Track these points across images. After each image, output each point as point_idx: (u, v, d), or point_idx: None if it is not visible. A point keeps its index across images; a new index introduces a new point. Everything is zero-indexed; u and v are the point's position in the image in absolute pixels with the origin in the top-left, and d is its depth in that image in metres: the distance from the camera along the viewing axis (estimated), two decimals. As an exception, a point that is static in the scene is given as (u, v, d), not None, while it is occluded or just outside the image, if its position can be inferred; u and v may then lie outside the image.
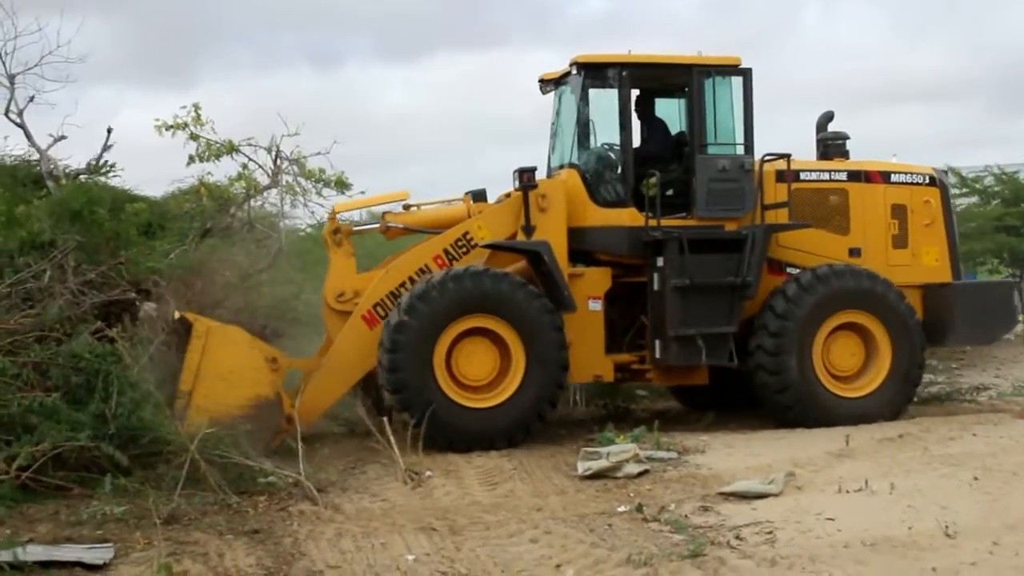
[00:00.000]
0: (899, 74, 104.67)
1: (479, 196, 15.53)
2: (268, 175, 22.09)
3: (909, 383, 15.33)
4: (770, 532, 9.72)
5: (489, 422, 13.82)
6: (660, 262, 14.82)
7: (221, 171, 23.46)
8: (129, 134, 47.36)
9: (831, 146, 16.47)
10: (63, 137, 25.33)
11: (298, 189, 21.29)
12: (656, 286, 14.93)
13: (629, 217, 15.14)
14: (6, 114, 24.66)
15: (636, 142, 15.81)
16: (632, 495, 11.39)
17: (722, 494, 11.19)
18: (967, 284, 16.38)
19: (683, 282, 14.57)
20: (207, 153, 22.55)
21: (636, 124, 15.87)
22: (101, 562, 9.26)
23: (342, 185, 21.45)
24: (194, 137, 23.02)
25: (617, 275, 15.36)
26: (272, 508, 11.16)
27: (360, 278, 14.97)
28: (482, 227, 14.94)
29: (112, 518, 10.64)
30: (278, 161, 22.06)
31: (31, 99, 24.84)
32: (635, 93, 15.77)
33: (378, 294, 14.50)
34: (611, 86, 15.37)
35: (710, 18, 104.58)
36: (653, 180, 15.07)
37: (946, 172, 16.85)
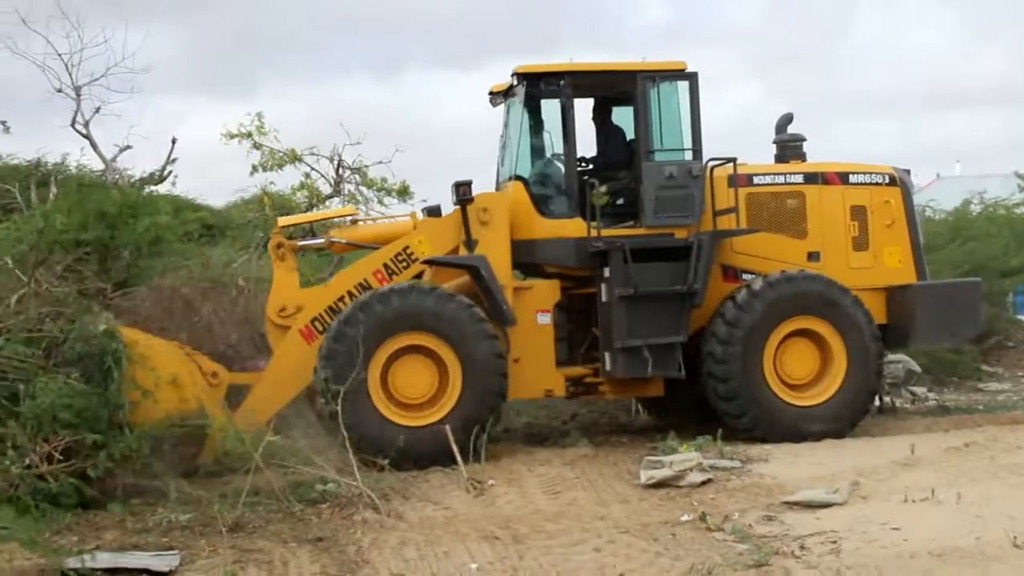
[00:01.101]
0: (963, 77, 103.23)
1: (433, 212, 15.24)
2: (330, 184, 22.29)
3: (866, 391, 14.94)
4: (835, 542, 9.64)
5: (430, 438, 13.42)
6: (607, 272, 14.54)
7: (284, 180, 23.61)
8: (193, 144, 47.75)
9: (788, 148, 16.06)
10: (128, 147, 25.65)
11: (360, 198, 21.46)
12: (604, 297, 14.67)
13: (575, 228, 14.78)
14: (72, 125, 25.01)
15: (590, 151, 15.70)
16: (695, 504, 11.33)
17: (786, 503, 11.11)
18: (929, 285, 15.76)
19: (628, 292, 14.26)
20: (270, 162, 22.75)
21: (592, 133, 15.77)
22: (167, 569, 9.38)
23: (404, 193, 21.58)
24: (257, 146, 23.23)
25: (571, 287, 15.15)
26: (335, 516, 11.21)
27: (303, 293, 14.72)
28: (423, 241, 14.66)
29: (177, 525, 10.79)
30: (340, 170, 22.24)
31: (97, 110, 25.17)
32: (585, 102, 15.63)
33: (316, 309, 14.32)
34: (553, 96, 15.08)
35: (770, 23, 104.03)
36: (602, 189, 14.92)
37: (908, 171, 16.29)
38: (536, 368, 14.58)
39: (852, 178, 15.70)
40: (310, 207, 20.98)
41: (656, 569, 9.18)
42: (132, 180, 25.62)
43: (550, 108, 15.38)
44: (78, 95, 24.89)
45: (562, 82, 14.83)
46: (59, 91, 24.78)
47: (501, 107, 15.96)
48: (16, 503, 9.52)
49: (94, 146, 25.35)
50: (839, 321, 14.66)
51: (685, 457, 12.53)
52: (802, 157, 15.98)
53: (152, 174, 25.06)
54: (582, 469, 13.01)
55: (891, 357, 19.43)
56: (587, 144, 15.82)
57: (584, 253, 14.68)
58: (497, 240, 14.57)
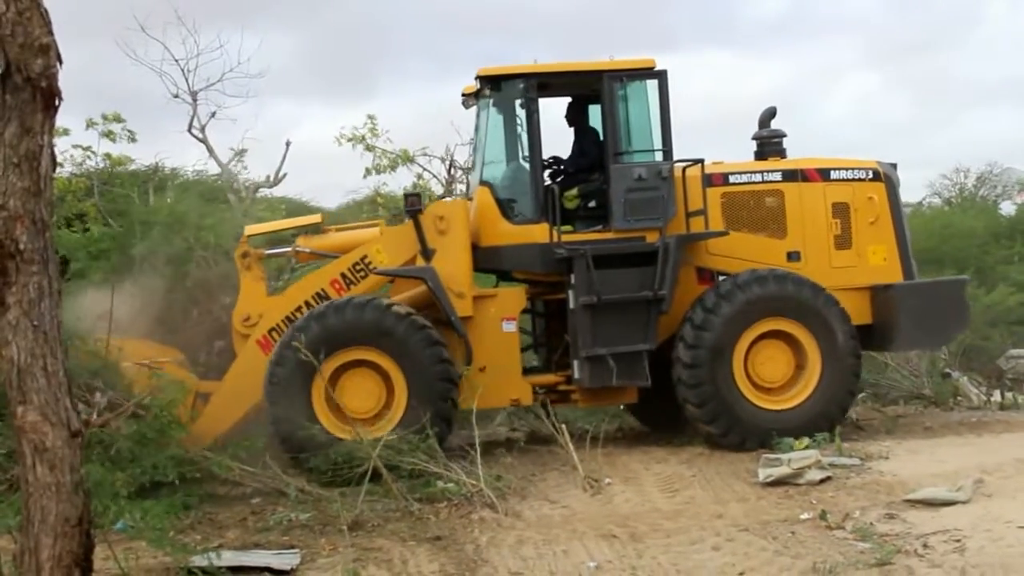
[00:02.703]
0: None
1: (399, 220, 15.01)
2: (442, 184, 22.40)
3: (843, 394, 14.32)
4: (959, 540, 9.50)
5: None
6: (572, 279, 14.18)
7: (396, 181, 23.80)
8: (307, 146, 48.20)
9: (767, 145, 15.54)
10: (244, 151, 26.06)
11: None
12: (571, 304, 14.24)
13: (541, 233, 14.32)
14: (189, 130, 25.44)
15: (558, 153, 15.31)
16: (815, 502, 11.23)
17: (908, 501, 10.96)
18: (913, 284, 15.16)
19: (591, 299, 13.89)
20: (383, 164, 22.94)
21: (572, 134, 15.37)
22: (288, 567, 9.50)
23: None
24: (370, 148, 23.44)
25: (544, 292, 14.97)
26: (453, 515, 11.28)
27: (268, 302, 14.57)
28: (380, 251, 14.44)
29: (298, 524, 10.93)
30: (452, 170, 22.34)
31: (213, 115, 25.61)
32: (561, 102, 15.35)
33: (274, 319, 14.18)
34: (517, 98, 14.69)
35: (890, 13, 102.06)
36: (573, 192, 14.69)
37: (894, 166, 15.69)
38: (502, 377, 14.22)
39: (833, 174, 15.16)
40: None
41: (776, 568, 9.12)
42: (247, 183, 26.04)
43: (516, 111, 14.93)
44: (194, 100, 25.33)
45: (523, 84, 14.51)
46: (176, 96, 25.24)
47: (474, 109, 15.62)
48: (142, 502, 9.68)
49: (210, 150, 25.78)
50: (812, 322, 14.16)
51: (803, 455, 12.42)
52: (782, 154, 15.47)
53: (268, 177, 25.44)
54: (699, 467, 12.95)
55: (1012, 352, 19.05)
56: (566, 146, 15.59)
57: (550, 259, 14.25)
58: (455, 249, 14.28)
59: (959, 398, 17.50)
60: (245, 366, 14.00)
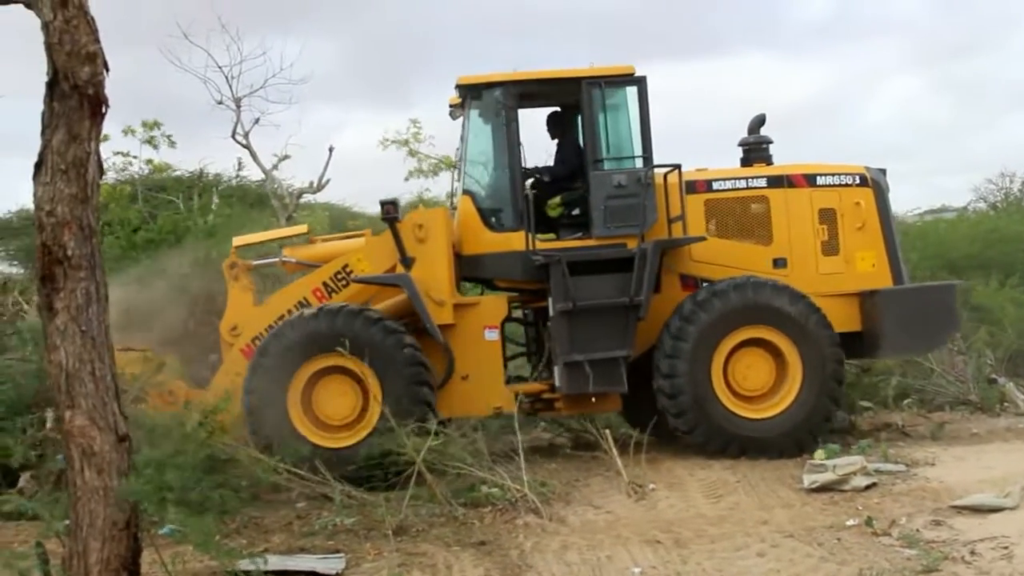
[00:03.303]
0: None
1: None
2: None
3: (825, 400, 14.04)
4: (1006, 548, 9.40)
5: (349, 459, 12.98)
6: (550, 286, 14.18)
7: (439, 187, 23.87)
8: (350, 152, 48.37)
9: (753, 151, 15.43)
10: (287, 157, 26.24)
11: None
12: (551, 311, 14.16)
13: (521, 241, 14.29)
14: (233, 136, 25.63)
15: (539, 161, 15.28)
16: (860, 508, 11.16)
17: (954, 508, 10.87)
18: (900, 289, 14.91)
19: (567, 306, 13.83)
20: (425, 169, 23.02)
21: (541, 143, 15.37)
22: (334, 572, 9.53)
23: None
24: (413, 153, 23.53)
25: (529, 300, 14.91)
26: (498, 520, 11.28)
27: (254, 311, 14.61)
28: (362, 259, 14.47)
29: (343, 529, 10.98)
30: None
31: (256, 121, 25.81)
32: (542, 111, 15.30)
33: (256, 328, 14.20)
34: (496, 106, 14.56)
35: (936, 15, 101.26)
36: (555, 200, 14.61)
37: (883, 171, 15.49)
38: (484, 385, 14.14)
39: (820, 180, 15.01)
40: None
41: (821, 574, 9.09)
42: (290, 189, 26.19)
43: (495, 119, 14.81)
44: (238, 106, 25.54)
45: (502, 92, 14.42)
46: (220, 103, 25.46)
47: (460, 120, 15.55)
48: (189, 506, 9.73)
49: (253, 156, 25.96)
50: (792, 329, 13.99)
51: (849, 461, 12.36)
52: (767, 160, 15.38)
53: (311, 182, 25.58)
54: (744, 473, 12.89)
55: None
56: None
57: (530, 266, 14.18)
58: (435, 257, 14.26)
59: (1006, 404, 17.35)
60: (229, 375, 14.00)
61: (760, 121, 15.60)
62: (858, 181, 15.07)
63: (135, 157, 26.30)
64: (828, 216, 14.93)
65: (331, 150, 25.42)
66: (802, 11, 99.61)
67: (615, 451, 12.89)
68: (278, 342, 13.52)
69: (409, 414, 12.92)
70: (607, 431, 13.27)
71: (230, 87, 25.55)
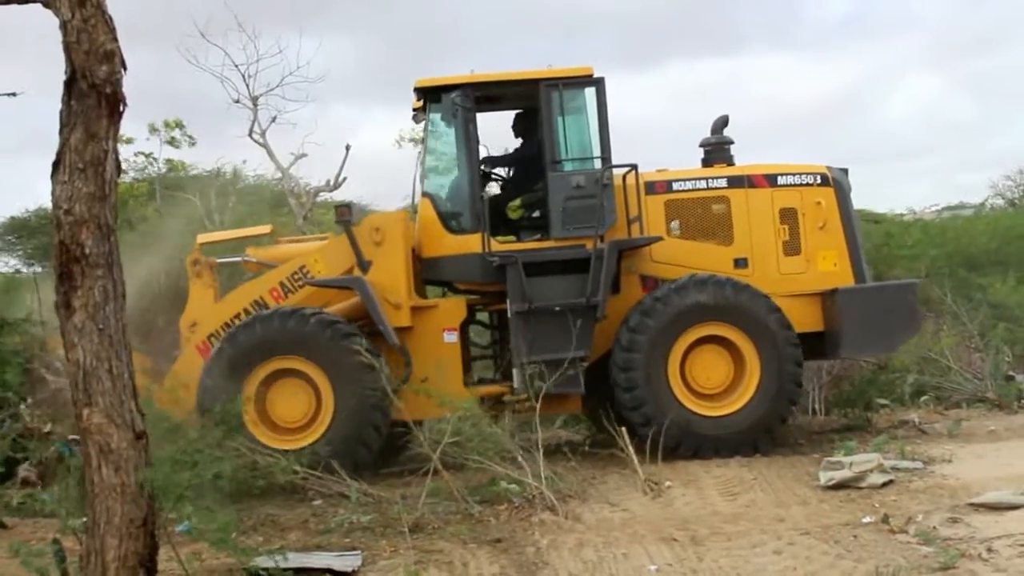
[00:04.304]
0: None
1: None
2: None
3: (782, 400, 14.03)
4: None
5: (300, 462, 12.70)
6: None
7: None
8: (367, 150, 48.39)
9: (714, 152, 15.40)
10: (304, 155, 26.32)
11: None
12: (509, 313, 14.15)
13: (479, 243, 14.24)
14: (250, 134, 25.71)
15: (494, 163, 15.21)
16: (877, 506, 11.14)
17: (971, 505, 10.83)
18: (859, 288, 14.78)
19: (523, 307, 13.87)
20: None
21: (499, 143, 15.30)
22: (350, 569, 9.54)
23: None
24: (431, 151, 23.47)
25: (491, 303, 14.89)
26: (514, 517, 11.28)
27: (214, 308, 14.65)
28: (319, 261, 14.51)
29: (359, 526, 10.99)
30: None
31: (273, 119, 25.90)
32: (506, 112, 15.31)
33: (212, 325, 14.29)
34: (454, 109, 14.47)
35: (959, 11, 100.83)
36: (516, 203, 14.61)
37: (844, 171, 15.44)
38: (443, 387, 13.73)
39: (780, 180, 14.97)
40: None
41: (838, 572, 9.06)
42: (307, 188, 26.26)
43: (454, 122, 14.75)
44: (255, 105, 25.63)
45: (459, 95, 14.37)
46: (237, 102, 25.55)
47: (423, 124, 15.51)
48: (206, 503, 9.76)
49: (270, 154, 26.04)
50: (750, 327, 13.97)
51: (865, 458, 12.33)
52: (729, 161, 15.34)
53: (328, 181, 25.63)
54: (760, 470, 12.88)
55: None
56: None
57: (489, 268, 14.17)
58: (392, 260, 14.29)
59: (1023, 401, 17.32)
60: (184, 371, 13.99)
61: (723, 122, 15.58)
62: (819, 181, 15.06)
63: (155, 159, 26.45)
64: (789, 216, 14.92)
65: (348, 148, 25.47)
66: (822, 9, 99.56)
67: (631, 448, 12.88)
68: (232, 344, 13.61)
69: (361, 418, 13.07)
70: (623, 428, 13.26)
71: (247, 86, 25.65)
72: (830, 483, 11.96)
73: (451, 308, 14.66)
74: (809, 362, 15.22)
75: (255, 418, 13.36)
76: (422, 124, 15.54)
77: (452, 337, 14.37)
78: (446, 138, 14.92)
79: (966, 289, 22.25)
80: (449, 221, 14.64)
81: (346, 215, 14.26)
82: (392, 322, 14.07)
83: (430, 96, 14.75)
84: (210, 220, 24.87)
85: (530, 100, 14.78)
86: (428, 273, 14.79)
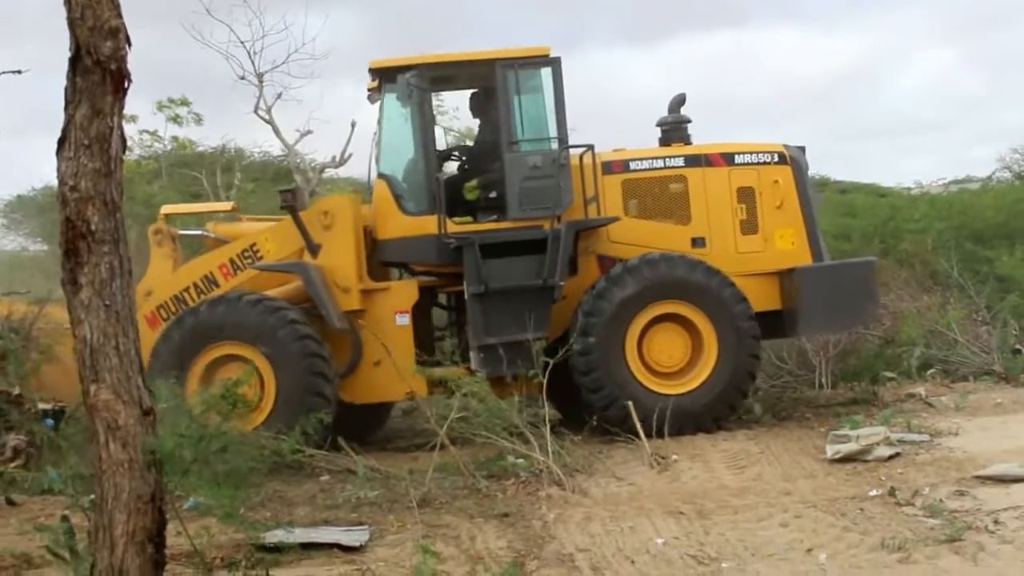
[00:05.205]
0: None
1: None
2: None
3: (742, 375, 14.06)
4: (1030, 517, 9.41)
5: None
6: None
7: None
8: (373, 126, 48.19)
9: (671, 131, 15.33)
10: (309, 132, 26.32)
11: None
12: (466, 294, 14.21)
13: (435, 225, 14.21)
14: (255, 111, 25.69)
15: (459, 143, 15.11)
16: (883, 479, 11.15)
17: (978, 477, 10.85)
18: (816, 267, 14.77)
19: (480, 289, 13.85)
20: (449, 141, 22.97)
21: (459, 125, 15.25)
22: (358, 544, 9.57)
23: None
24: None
25: (447, 284, 14.86)
26: (521, 492, 11.33)
27: (167, 279, 14.71)
28: (269, 240, 14.56)
29: (366, 502, 11.04)
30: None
31: (279, 96, 25.91)
32: (456, 92, 15.52)
33: (162, 296, 14.34)
34: (409, 90, 14.44)
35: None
36: (473, 183, 14.60)
37: (802, 149, 15.41)
38: (396, 370, 13.96)
39: (738, 158, 14.94)
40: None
41: (845, 544, 9.07)
42: (313, 164, 26.27)
43: (408, 103, 14.71)
44: (260, 82, 25.63)
45: (414, 76, 14.31)
46: (242, 78, 25.56)
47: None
48: (215, 478, 9.79)
49: (276, 131, 26.03)
50: (706, 304, 13.96)
51: (872, 431, 12.35)
52: (686, 140, 15.29)
53: (333, 157, 25.64)
54: (766, 444, 12.90)
55: None
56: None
57: (445, 250, 14.14)
58: (341, 243, 14.29)
59: (1030, 374, 17.32)
60: None
61: (680, 101, 15.52)
62: (776, 159, 15.04)
63: (161, 136, 26.44)
64: (746, 195, 14.90)
65: (353, 125, 25.47)
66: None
67: (638, 423, 12.90)
68: (179, 329, 13.64)
69: (303, 404, 12.90)
70: (630, 403, 13.27)
71: (252, 62, 25.63)
72: (837, 456, 11.97)
73: (403, 290, 14.60)
74: (815, 337, 15.23)
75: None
76: (376, 104, 15.39)
77: (404, 319, 14.30)
78: (401, 119, 14.85)
79: (973, 262, 22.26)
80: (404, 202, 14.59)
81: (290, 200, 14.19)
82: (343, 305, 14.09)
83: (385, 77, 14.69)
84: (216, 197, 24.90)
85: (486, 80, 14.75)
86: (384, 255, 14.74)
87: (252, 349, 13.48)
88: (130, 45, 7.32)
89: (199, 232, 15.71)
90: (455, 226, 14.32)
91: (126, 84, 7.33)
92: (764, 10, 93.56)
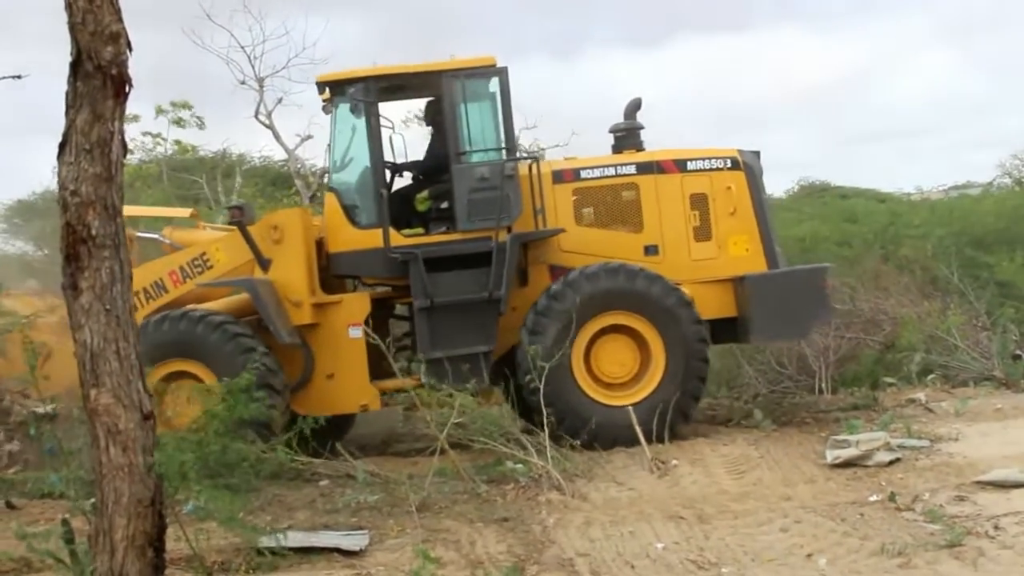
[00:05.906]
0: None
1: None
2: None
3: (692, 382, 13.84)
4: (1031, 522, 9.41)
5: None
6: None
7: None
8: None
9: (624, 138, 15.21)
10: (309, 136, 26.31)
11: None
12: (414, 307, 14.13)
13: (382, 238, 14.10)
14: (256, 116, 25.69)
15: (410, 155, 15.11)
16: (883, 484, 11.15)
17: (978, 483, 10.85)
18: (769, 274, 14.59)
19: (425, 303, 13.79)
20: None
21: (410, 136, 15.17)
22: (357, 548, 9.60)
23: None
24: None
25: (402, 296, 14.68)
26: (520, 497, 11.35)
27: None
28: (220, 250, 14.37)
29: (366, 506, 11.04)
30: (516, 154, 22.40)
31: (279, 101, 25.90)
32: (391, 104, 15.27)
33: None
34: (356, 102, 14.32)
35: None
36: (423, 195, 14.55)
37: (756, 154, 15.29)
38: (349, 383, 13.98)
39: (690, 165, 14.76)
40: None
41: (845, 549, 9.09)
42: (312, 169, 26.27)
43: (356, 115, 14.57)
44: (261, 86, 25.63)
45: (360, 88, 14.22)
46: (243, 83, 25.55)
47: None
48: (214, 483, 9.80)
49: (277, 136, 26.03)
50: (651, 312, 13.76)
51: (872, 436, 12.34)
52: (639, 147, 15.15)
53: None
54: (766, 449, 12.89)
55: None
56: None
57: (393, 263, 14.03)
58: (291, 257, 14.11)
59: (1030, 379, 17.31)
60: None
61: (635, 106, 15.42)
62: (729, 165, 14.88)
63: (164, 139, 26.45)
64: (699, 201, 14.74)
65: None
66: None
67: (638, 427, 12.91)
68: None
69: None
70: (630, 407, 13.27)
71: (252, 67, 25.65)
72: (837, 461, 11.97)
73: (355, 303, 14.36)
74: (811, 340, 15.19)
75: (167, 418, 12.88)
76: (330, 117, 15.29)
77: (357, 332, 14.10)
78: (351, 132, 14.72)
79: (973, 268, 22.21)
80: (354, 215, 14.44)
81: (237, 216, 14.06)
82: (295, 320, 13.96)
83: (335, 90, 14.57)
84: (216, 202, 24.91)
85: (435, 91, 14.68)
86: (335, 268, 14.56)
87: (199, 364, 13.38)
88: (131, 50, 7.34)
89: (155, 236, 15.51)
90: (403, 239, 14.20)
91: (127, 89, 7.35)
92: (765, 12, 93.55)
